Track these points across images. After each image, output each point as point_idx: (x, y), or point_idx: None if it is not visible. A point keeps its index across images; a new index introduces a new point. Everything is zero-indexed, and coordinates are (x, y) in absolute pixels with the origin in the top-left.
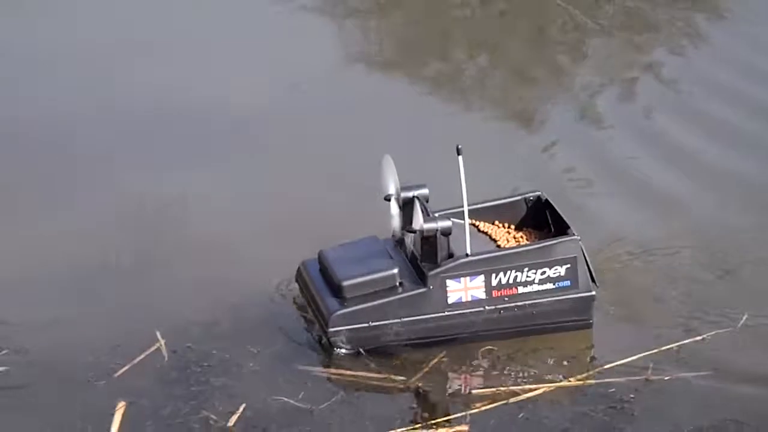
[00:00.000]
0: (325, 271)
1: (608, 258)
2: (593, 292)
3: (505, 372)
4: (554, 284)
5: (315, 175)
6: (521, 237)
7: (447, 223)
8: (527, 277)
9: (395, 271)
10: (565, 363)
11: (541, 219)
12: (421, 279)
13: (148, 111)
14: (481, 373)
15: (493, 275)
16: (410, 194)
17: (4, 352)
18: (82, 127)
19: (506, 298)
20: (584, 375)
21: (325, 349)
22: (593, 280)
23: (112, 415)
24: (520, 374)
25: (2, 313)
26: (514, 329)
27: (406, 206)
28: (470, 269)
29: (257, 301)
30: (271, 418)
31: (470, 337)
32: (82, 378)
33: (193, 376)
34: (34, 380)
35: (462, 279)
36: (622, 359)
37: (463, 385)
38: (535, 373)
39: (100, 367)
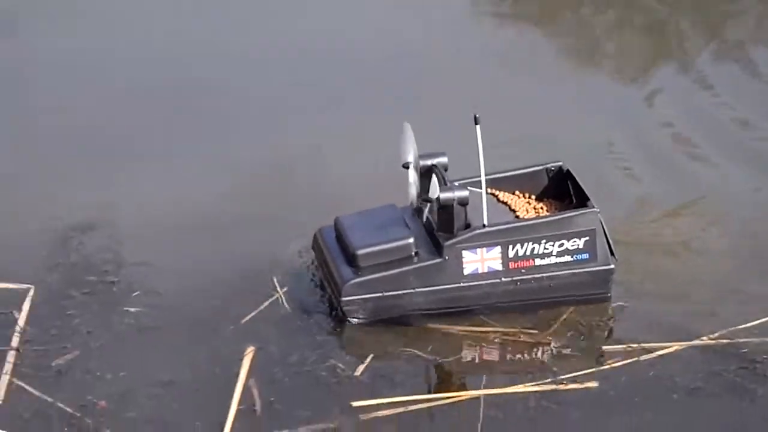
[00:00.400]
0: (340, 238)
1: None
2: (612, 266)
3: (636, 328)
4: (572, 257)
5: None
6: (541, 208)
7: (464, 193)
8: (545, 249)
9: (411, 240)
10: (698, 321)
11: (563, 190)
12: (437, 249)
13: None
14: (611, 330)
15: (510, 246)
16: (429, 162)
17: (136, 293)
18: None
19: (523, 270)
20: (717, 334)
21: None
22: (612, 254)
23: (241, 359)
24: (652, 331)
25: (137, 256)
26: (531, 301)
27: (425, 174)
28: (487, 240)
29: None
30: (399, 369)
31: (487, 309)
32: (210, 322)
33: (316, 326)
34: (165, 322)
35: (478, 250)
36: (756, 320)
37: (593, 342)
38: (667, 330)
39: (226, 312)
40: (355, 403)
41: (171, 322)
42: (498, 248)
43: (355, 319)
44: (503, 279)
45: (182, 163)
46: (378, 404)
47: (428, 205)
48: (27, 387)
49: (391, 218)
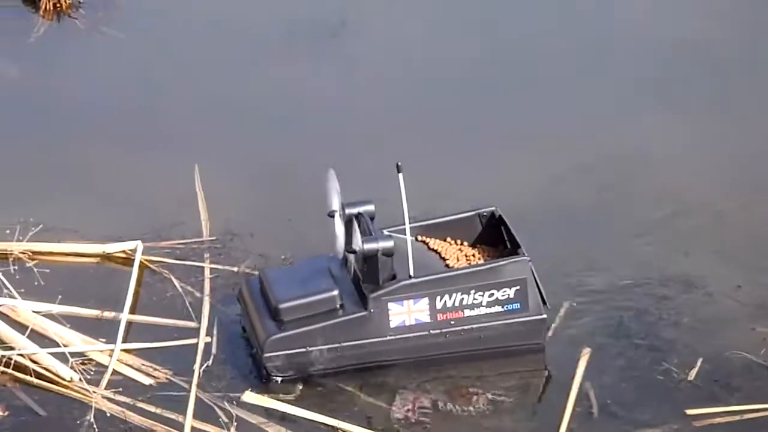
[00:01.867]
0: (264, 291)
1: None
2: (544, 315)
3: None
4: (503, 307)
5: None
6: (473, 255)
7: (388, 243)
8: (474, 299)
9: (335, 292)
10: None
11: (497, 236)
12: (363, 301)
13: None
14: None
15: (438, 298)
16: (354, 210)
17: None
18: None
19: (452, 322)
20: None
21: None
22: (544, 303)
23: (577, 360)
24: None
25: None
26: (461, 353)
27: (350, 223)
28: (413, 291)
29: None
30: (732, 373)
31: (416, 362)
32: None
33: (647, 328)
34: None
35: (405, 302)
36: None
37: None
38: None
39: None
40: (690, 411)
41: None
42: (425, 300)
43: (278, 377)
44: (431, 331)
45: None
46: (713, 412)
47: (352, 255)
48: None
49: (317, 270)
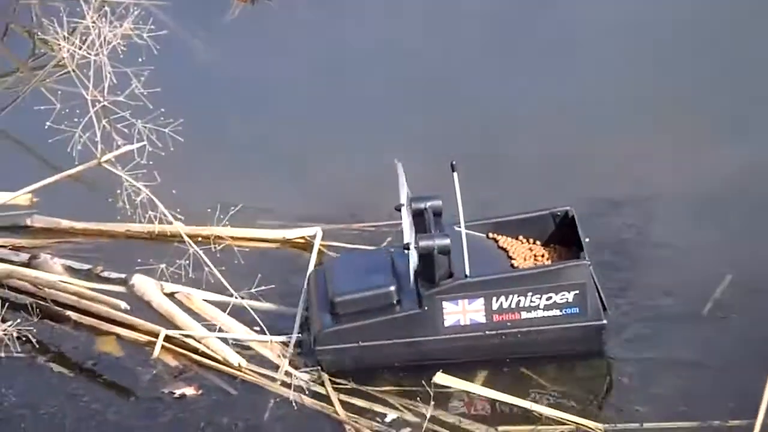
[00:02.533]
0: (325, 282)
1: None
2: (603, 321)
3: None
4: (561, 311)
5: None
6: (543, 255)
7: (444, 241)
8: (531, 302)
9: (391, 288)
10: None
11: (570, 236)
12: (419, 299)
13: None
14: None
15: (494, 298)
16: (421, 206)
17: None
18: None
19: (508, 323)
20: None
21: None
22: (605, 308)
23: None
24: None
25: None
26: (517, 355)
27: (418, 217)
28: (468, 291)
29: None
30: None
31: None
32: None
33: None
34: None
35: (460, 301)
36: None
37: None
38: None
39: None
40: None
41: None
42: (481, 300)
43: (330, 369)
44: (487, 332)
45: None
46: None
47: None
48: None
49: (379, 264)
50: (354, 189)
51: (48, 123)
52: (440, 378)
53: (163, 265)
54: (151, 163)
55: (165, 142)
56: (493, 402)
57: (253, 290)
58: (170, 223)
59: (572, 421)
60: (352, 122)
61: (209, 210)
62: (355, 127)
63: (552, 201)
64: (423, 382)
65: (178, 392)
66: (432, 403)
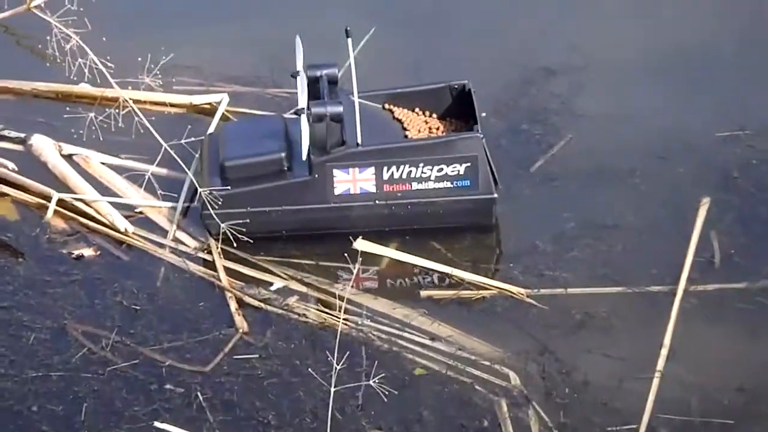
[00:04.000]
0: (217, 148)
1: None
2: (494, 195)
3: None
4: (452, 183)
5: None
6: (438, 128)
7: (337, 108)
8: (422, 173)
9: (282, 155)
10: None
11: (467, 109)
12: (310, 167)
13: None
14: None
15: (385, 168)
16: (317, 73)
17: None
18: None
19: (399, 194)
20: None
21: None
22: (496, 183)
23: (696, 209)
24: None
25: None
26: (409, 226)
27: (313, 85)
28: (359, 160)
29: None
30: None
31: (361, 231)
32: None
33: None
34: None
35: (350, 170)
36: None
37: None
38: None
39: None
40: None
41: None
42: (372, 169)
43: (215, 235)
44: (377, 202)
45: None
46: None
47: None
48: None
49: (273, 130)
50: (273, 52)
51: None
52: (360, 244)
53: (62, 126)
54: (81, 9)
55: None
56: (411, 269)
57: (152, 156)
58: (98, 70)
59: (494, 286)
60: None
61: (139, 59)
62: None
63: (481, 72)
64: (311, 251)
65: (76, 253)
66: (357, 268)
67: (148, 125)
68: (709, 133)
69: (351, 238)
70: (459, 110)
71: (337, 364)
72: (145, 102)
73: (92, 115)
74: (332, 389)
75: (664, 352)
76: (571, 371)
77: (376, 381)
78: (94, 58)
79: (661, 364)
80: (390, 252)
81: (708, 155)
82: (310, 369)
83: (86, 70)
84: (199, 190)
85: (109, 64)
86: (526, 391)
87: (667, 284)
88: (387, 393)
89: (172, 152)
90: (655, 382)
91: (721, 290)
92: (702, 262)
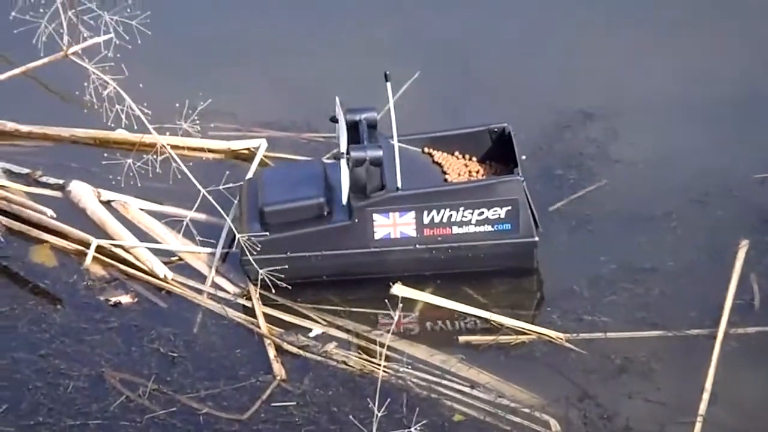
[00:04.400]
0: (256, 193)
1: None
2: (535, 238)
3: None
4: (492, 226)
5: None
6: (478, 171)
7: (377, 153)
8: (463, 216)
9: (321, 200)
10: None
11: (507, 153)
12: (349, 211)
13: None
14: None
15: (425, 212)
16: (356, 117)
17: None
18: None
19: (439, 238)
20: None
21: None
22: (537, 225)
23: (735, 251)
24: None
25: None
26: (449, 271)
27: (352, 129)
28: (399, 204)
29: None
30: None
31: (400, 276)
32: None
33: None
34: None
35: (391, 214)
36: None
37: None
38: None
39: None
40: None
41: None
42: (412, 213)
43: (256, 281)
44: (417, 246)
45: None
46: None
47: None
48: None
49: (312, 174)
50: (311, 96)
51: (13, 14)
52: (398, 289)
53: (100, 172)
54: (118, 56)
55: (132, 35)
56: (449, 314)
57: (191, 202)
58: (137, 116)
59: (534, 331)
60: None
61: (177, 104)
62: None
63: (518, 115)
64: (351, 295)
65: (113, 300)
66: (397, 314)
67: (185, 170)
68: (746, 175)
69: (390, 283)
70: (499, 153)
71: (378, 411)
72: (183, 148)
73: (130, 161)
74: None
75: (705, 396)
76: (613, 416)
77: (418, 428)
78: (131, 104)
79: (702, 408)
80: (429, 297)
81: (746, 198)
82: (350, 416)
83: (123, 117)
84: (238, 235)
85: (146, 111)
86: None
87: (707, 327)
88: None
89: (210, 198)
90: (698, 426)
91: (761, 333)
92: (742, 305)
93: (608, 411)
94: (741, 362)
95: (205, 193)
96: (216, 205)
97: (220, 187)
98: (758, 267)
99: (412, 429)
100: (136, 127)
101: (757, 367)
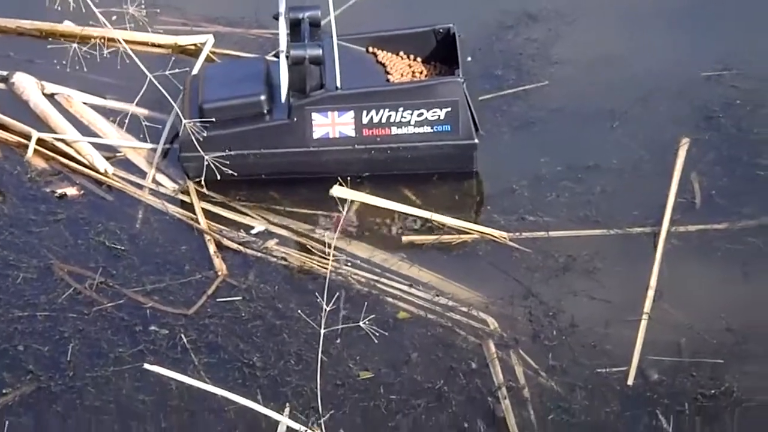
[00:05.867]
0: (197, 89)
1: None
2: (475, 140)
3: None
4: (432, 128)
5: None
6: (421, 72)
7: (316, 51)
8: (402, 117)
9: (262, 97)
10: None
11: (452, 54)
12: (288, 109)
13: None
14: None
15: (364, 112)
16: (299, 15)
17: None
18: None
19: (378, 138)
20: None
21: None
22: (477, 128)
23: (676, 150)
24: None
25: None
26: (388, 172)
27: (295, 27)
28: (338, 103)
29: None
30: None
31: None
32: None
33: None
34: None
35: (329, 113)
36: None
37: None
38: None
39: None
40: None
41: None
42: (351, 113)
43: (194, 179)
44: (356, 146)
45: None
46: None
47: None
48: None
49: (254, 72)
50: None
51: None
52: (337, 191)
53: (45, 64)
54: None
55: None
56: (388, 214)
57: (135, 95)
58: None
59: (475, 230)
60: None
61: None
62: None
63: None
64: (292, 193)
65: (59, 192)
66: (337, 214)
67: (132, 55)
68: (693, 74)
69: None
70: (444, 55)
71: (326, 306)
72: (128, 42)
73: (75, 46)
74: (322, 330)
75: (650, 293)
76: (558, 314)
77: (367, 322)
78: None
79: (648, 305)
80: (370, 198)
81: (691, 96)
82: (297, 311)
83: (71, 1)
84: (184, 121)
85: None
86: (513, 334)
87: (649, 225)
88: (377, 335)
89: (157, 83)
90: (643, 323)
91: (703, 231)
92: (683, 203)
93: (553, 308)
94: (684, 259)
95: (152, 78)
96: (163, 92)
97: (166, 72)
98: (699, 165)
99: (361, 323)
100: (84, 11)
101: (699, 264)
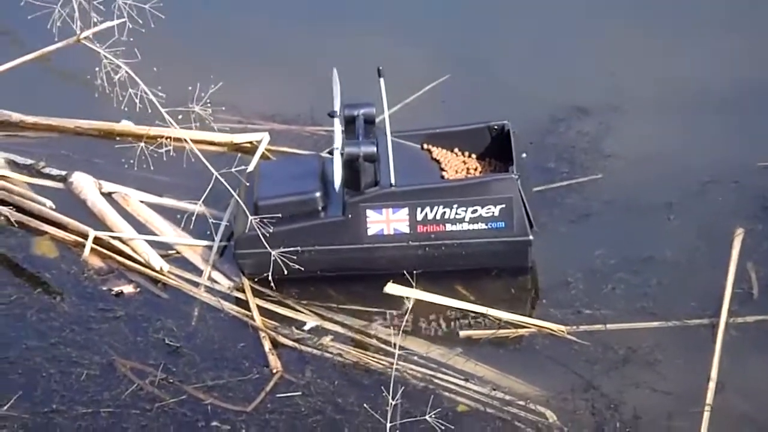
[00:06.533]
0: (253, 186)
1: None
2: (530, 237)
3: None
4: (486, 224)
5: None
6: (476, 168)
7: (370, 149)
8: (456, 214)
9: (317, 194)
10: None
11: (506, 150)
12: (343, 206)
13: None
14: None
15: (419, 209)
16: (353, 113)
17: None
18: None
19: (432, 235)
20: None
21: None
22: (531, 225)
23: (731, 240)
24: None
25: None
26: (442, 268)
27: (350, 124)
28: (393, 200)
29: None
30: None
31: (396, 271)
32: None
33: None
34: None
35: (384, 210)
36: None
37: None
38: None
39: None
40: None
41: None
42: (405, 210)
43: (251, 275)
44: (410, 243)
45: None
46: None
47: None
48: None
49: (308, 169)
50: (315, 90)
51: None
52: (391, 288)
53: (103, 163)
54: (131, 40)
55: (145, 19)
56: (443, 310)
57: (192, 195)
58: (150, 100)
59: (533, 324)
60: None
61: (190, 88)
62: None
63: (519, 109)
64: (346, 290)
65: (116, 289)
66: (392, 312)
67: (199, 155)
68: (746, 164)
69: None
70: (498, 151)
71: (392, 400)
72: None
73: (142, 145)
74: (388, 424)
75: (711, 385)
76: (620, 406)
77: (432, 416)
78: (144, 88)
79: (710, 397)
80: (424, 295)
81: (745, 186)
82: (363, 405)
83: (137, 101)
84: (236, 230)
85: (160, 94)
86: (575, 427)
87: (707, 317)
88: (443, 428)
89: (224, 181)
90: (706, 415)
91: (762, 321)
92: (740, 294)
93: (615, 401)
94: (744, 351)
95: (218, 176)
96: (228, 188)
97: (233, 170)
98: (755, 255)
99: (427, 417)
100: (150, 111)
101: (760, 355)
